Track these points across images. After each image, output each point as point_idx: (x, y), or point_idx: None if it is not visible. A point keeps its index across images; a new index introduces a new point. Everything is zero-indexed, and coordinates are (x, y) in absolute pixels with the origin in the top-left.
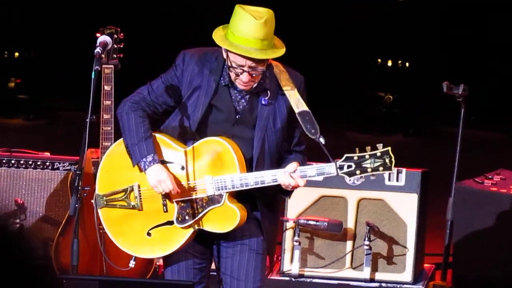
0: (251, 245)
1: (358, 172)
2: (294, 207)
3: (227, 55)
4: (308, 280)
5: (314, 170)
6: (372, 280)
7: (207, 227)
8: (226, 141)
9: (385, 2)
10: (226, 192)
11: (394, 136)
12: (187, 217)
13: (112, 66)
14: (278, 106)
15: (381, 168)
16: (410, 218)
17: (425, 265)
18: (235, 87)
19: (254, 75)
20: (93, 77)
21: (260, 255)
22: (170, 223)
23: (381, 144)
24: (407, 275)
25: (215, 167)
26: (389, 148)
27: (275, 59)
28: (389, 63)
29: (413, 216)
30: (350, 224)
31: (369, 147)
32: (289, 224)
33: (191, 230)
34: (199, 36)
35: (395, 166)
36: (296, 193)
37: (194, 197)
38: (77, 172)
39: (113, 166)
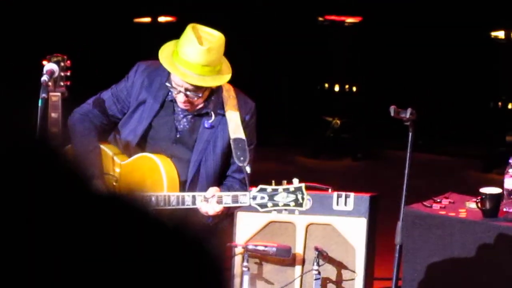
0: None
1: (270, 205)
2: (243, 232)
3: (169, 73)
4: None
5: (230, 197)
6: None
7: None
8: (160, 158)
9: (332, 26)
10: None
11: (342, 161)
12: None
13: (59, 93)
14: (221, 130)
15: (292, 204)
16: (358, 243)
17: None
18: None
19: (190, 97)
20: (40, 104)
21: None
22: None
23: (297, 180)
24: None
25: (143, 184)
26: (303, 185)
27: (229, 82)
28: (336, 88)
29: (361, 241)
30: (299, 249)
31: (285, 181)
32: (238, 250)
33: None
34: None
35: (344, 190)
36: (244, 218)
37: None
38: None
39: None
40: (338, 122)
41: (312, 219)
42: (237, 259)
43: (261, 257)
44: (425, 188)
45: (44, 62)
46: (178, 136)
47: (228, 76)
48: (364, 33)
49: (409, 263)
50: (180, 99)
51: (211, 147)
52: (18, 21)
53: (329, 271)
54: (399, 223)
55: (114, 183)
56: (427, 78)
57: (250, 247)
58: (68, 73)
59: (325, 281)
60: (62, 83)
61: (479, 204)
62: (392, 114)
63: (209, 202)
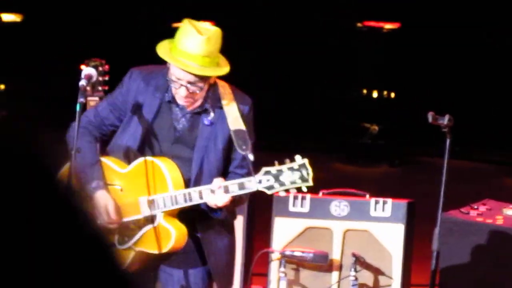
0: (184, 275)
1: (276, 186)
2: (280, 238)
3: (169, 68)
4: None
5: (236, 185)
6: None
7: (145, 247)
8: (161, 160)
9: (370, 32)
10: (162, 212)
11: (379, 167)
12: (126, 239)
13: (97, 98)
14: (221, 126)
15: (299, 181)
16: (395, 249)
17: None
18: (178, 104)
19: (192, 91)
20: (78, 109)
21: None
22: (113, 245)
23: (299, 156)
24: None
25: (149, 187)
26: (306, 160)
27: (224, 80)
28: (374, 94)
29: (399, 247)
30: (336, 255)
31: (288, 160)
32: (275, 256)
33: (132, 252)
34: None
35: (381, 196)
36: (282, 224)
37: (131, 218)
38: None
39: None
40: (376, 128)
41: (349, 225)
42: (274, 265)
43: (298, 263)
44: (462, 195)
45: (82, 67)
46: (177, 135)
47: (227, 68)
48: (402, 39)
49: (445, 270)
50: (182, 93)
51: (212, 144)
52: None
53: (366, 277)
54: (436, 230)
55: (120, 192)
56: (465, 84)
57: (287, 253)
58: (106, 78)
59: (362, 287)
60: (100, 88)
61: None
62: (430, 120)
63: (216, 193)
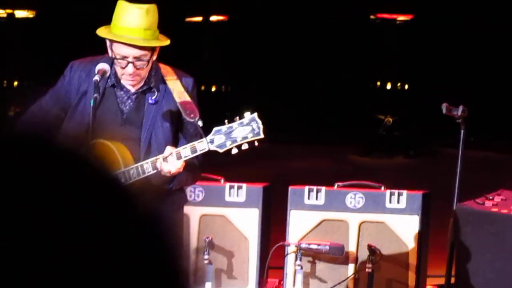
0: None
1: (228, 143)
2: (296, 231)
3: (112, 49)
4: None
5: (188, 149)
6: None
7: None
8: (109, 141)
9: (383, 24)
10: None
11: (394, 158)
12: None
13: None
14: (166, 103)
15: (250, 135)
16: (411, 240)
17: (428, 286)
18: (122, 87)
19: (139, 66)
20: (92, 104)
21: None
22: None
23: (248, 112)
24: None
25: None
26: (255, 114)
27: (166, 64)
28: (388, 86)
29: (414, 238)
30: (351, 247)
31: (238, 117)
32: (291, 248)
33: None
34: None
35: (396, 188)
36: (297, 217)
37: None
38: None
39: None
40: (391, 120)
41: (364, 217)
42: (291, 258)
43: (314, 256)
44: (477, 185)
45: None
46: (124, 117)
47: (168, 41)
48: (415, 30)
49: (461, 260)
50: (130, 70)
51: (159, 122)
52: (70, 22)
53: (383, 268)
54: (452, 220)
55: None
56: (479, 75)
57: (303, 245)
58: None
59: (379, 279)
60: None
61: None
62: (444, 111)
63: (168, 160)
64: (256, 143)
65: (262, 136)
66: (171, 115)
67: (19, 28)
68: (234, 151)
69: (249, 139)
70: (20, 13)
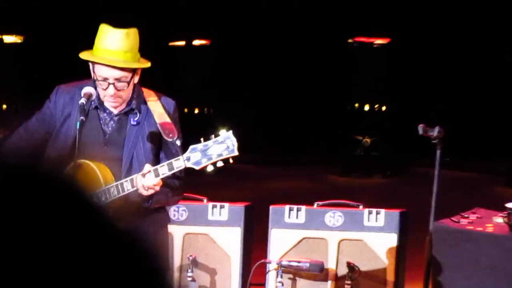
0: None
1: (204, 160)
2: (277, 249)
3: (94, 71)
4: None
5: (165, 167)
6: None
7: None
8: (90, 161)
9: (361, 47)
10: None
11: (372, 178)
12: None
13: None
14: (147, 124)
15: (225, 153)
16: (389, 257)
17: None
18: (105, 109)
19: (120, 88)
20: (78, 126)
21: None
22: None
23: (224, 130)
24: None
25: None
26: (231, 131)
27: (148, 86)
28: (366, 107)
29: (392, 255)
30: (331, 264)
31: (213, 136)
32: (272, 266)
33: None
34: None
35: (374, 207)
36: (278, 235)
37: None
38: None
39: None
40: (368, 140)
41: (343, 235)
42: (272, 275)
43: (295, 273)
44: (453, 204)
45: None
46: (107, 137)
47: (148, 63)
48: (392, 53)
49: (438, 277)
50: (110, 92)
51: (141, 142)
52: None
53: (361, 285)
54: (428, 238)
55: None
56: (455, 97)
57: (284, 263)
58: None
59: None
60: None
61: (506, 219)
62: (420, 132)
63: (146, 177)
64: (231, 160)
65: (236, 153)
66: (152, 136)
67: (8, 52)
68: (210, 168)
69: (224, 157)
70: (8, 38)
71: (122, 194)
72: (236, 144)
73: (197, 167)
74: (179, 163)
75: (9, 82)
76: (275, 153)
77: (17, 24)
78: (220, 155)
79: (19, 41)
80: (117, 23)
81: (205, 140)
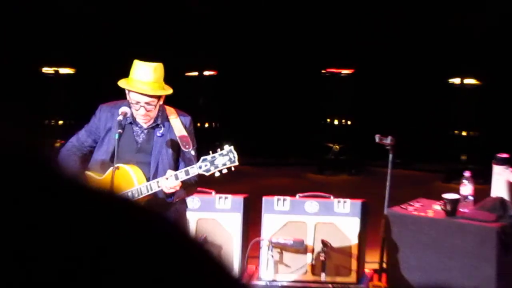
0: None
1: (212, 168)
2: (268, 230)
3: (129, 96)
4: (279, 284)
5: (183, 173)
6: (326, 282)
7: None
8: (127, 165)
9: (332, 76)
10: None
11: (341, 176)
12: None
13: None
14: (169, 136)
15: (228, 163)
16: (353, 236)
17: (366, 270)
18: (137, 124)
19: (148, 109)
20: (116, 137)
21: None
22: None
23: (227, 145)
24: (352, 277)
25: (121, 186)
26: (232, 146)
27: (170, 106)
28: (336, 122)
29: (356, 235)
30: (309, 241)
31: (219, 149)
32: (264, 243)
33: None
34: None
35: (342, 197)
36: (269, 219)
37: None
38: None
39: None
40: (337, 147)
41: (319, 219)
42: (264, 249)
43: (282, 248)
44: (401, 196)
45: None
46: (138, 146)
47: (171, 91)
48: (355, 81)
49: (390, 251)
50: (142, 112)
51: (164, 150)
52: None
53: (332, 257)
54: (383, 221)
55: None
56: (402, 114)
57: (274, 240)
58: None
59: (329, 265)
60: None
61: (442, 206)
62: (377, 140)
63: (168, 180)
64: (233, 168)
65: (237, 163)
66: (173, 146)
67: (63, 81)
68: (217, 174)
69: (227, 166)
70: (63, 70)
71: (151, 192)
72: (236, 156)
73: (206, 174)
74: (193, 170)
75: (64, 104)
76: (266, 157)
77: (70, 58)
78: (224, 164)
79: (71, 72)
80: (147, 59)
81: (213, 153)
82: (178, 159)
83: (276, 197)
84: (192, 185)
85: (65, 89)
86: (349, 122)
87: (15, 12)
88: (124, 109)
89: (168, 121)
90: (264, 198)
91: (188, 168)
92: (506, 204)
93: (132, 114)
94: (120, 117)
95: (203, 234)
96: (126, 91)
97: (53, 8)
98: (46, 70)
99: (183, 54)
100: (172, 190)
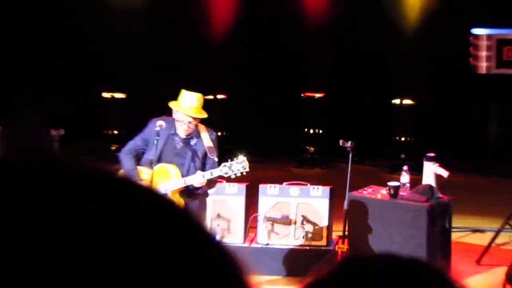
0: None
1: (229, 172)
2: (264, 208)
3: (176, 115)
4: (271, 246)
5: (208, 173)
6: (305, 245)
7: None
8: (168, 164)
9: (307, 99)
10: (169, 191)
11: (315, 169)
12: None
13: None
14: (200, 146)
15: (242, 169)
16: (324, 212)
17: (334, 236)
18: (177, 135)
19: (190, 126)
20: (155, 143)
21: None
22: None
23: (242, 155)
24: (324, 242)
25: (163, 179)
26: (245, 157)
27: (201, 122)
28: (311, 131)
29: (326, 211)
30: (292, 216)
31: (236, 158)
32: (261, 217)
33: None
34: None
35: (316, 184)
36: (264, 201)
37: None
38: None
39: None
40: (312, 149)
41: (299, 201)
42: (261, 222)
43: (273, 221)
44: (358, 183)
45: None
46: (177, 151)
47: (206, 115)
48: (326, 102)
49: (351, 223)
50: (184, 128)
51: (196, 156)
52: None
53: (309, 227)
54: (345, 202)
55: (149, 183)
56: (360, 125)
57: (267, 215)
58: None
59: (307, 233)
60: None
61: (387, 191)
62: (340, 144)
63: (197, 177)
64: (244, 173)
65: (248, 169)
66: (202, 153)
67: (117, 103)
68: (232, 176)
69: (241, 171)
70: (117, 95)
71: (184, 186)
72: (247, 164)
73: (225, 176)
74: (216, 172)
75: (118, 119)
76: (261, 156)
77: (122, 86)
78: (238, 169)
79: (123, 96)
80: (192, 90)
81: (231, 160)
82: (204, 163)
83: (268, 185)
84: (213, 182)
85: (119, 108)
86: (321, 131)
87: (80, 49)
88: (160, 122)
89: (199, 134)
90: (260, 186)
91: (212, 170)
92: (434, 189)
93: (175, 127)
94: (158, 128)
95: (217, 212)
96: (174, 111)
97: (111, 49)
98: (105, 95)
99: (204, 86)
100: (200, 185)
